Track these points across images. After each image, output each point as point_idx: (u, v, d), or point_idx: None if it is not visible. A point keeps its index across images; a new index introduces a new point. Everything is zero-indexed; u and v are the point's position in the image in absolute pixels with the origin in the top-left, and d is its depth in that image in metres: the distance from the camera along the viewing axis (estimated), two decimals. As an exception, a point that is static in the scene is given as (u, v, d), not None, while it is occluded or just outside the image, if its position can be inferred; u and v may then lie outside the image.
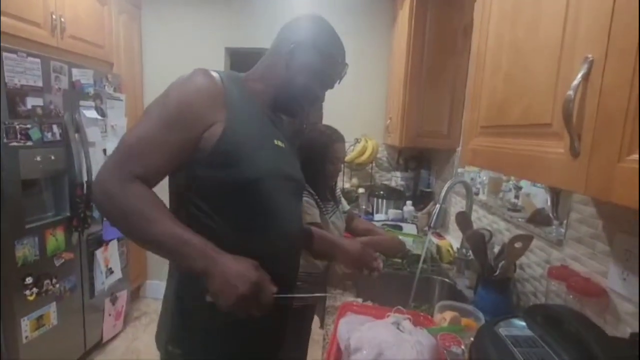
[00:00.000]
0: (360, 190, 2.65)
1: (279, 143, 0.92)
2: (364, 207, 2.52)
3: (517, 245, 1.08)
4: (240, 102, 0.84)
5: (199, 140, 0.78)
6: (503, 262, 1.12)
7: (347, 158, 2.68)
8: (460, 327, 0.98)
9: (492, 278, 1.13)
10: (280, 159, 0.90)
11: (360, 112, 2.81)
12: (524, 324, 0.63)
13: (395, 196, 2.40)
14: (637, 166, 0.41)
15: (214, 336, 0.86)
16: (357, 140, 2.67)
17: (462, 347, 0.86)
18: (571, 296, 0.89)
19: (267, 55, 0.94)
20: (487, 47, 0.86)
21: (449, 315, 1.06)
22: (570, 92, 0.50)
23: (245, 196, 0.82)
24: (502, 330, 0.60)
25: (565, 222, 1.03)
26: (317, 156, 1.50)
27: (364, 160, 2.65)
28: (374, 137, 2.70)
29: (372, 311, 1.05)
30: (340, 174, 2.81)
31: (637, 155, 0.41)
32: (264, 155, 0.85)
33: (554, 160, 0.56)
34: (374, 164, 2.78)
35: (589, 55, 0.49)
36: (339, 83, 0.98)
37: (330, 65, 0.92)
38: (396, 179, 2.66)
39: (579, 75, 0.50)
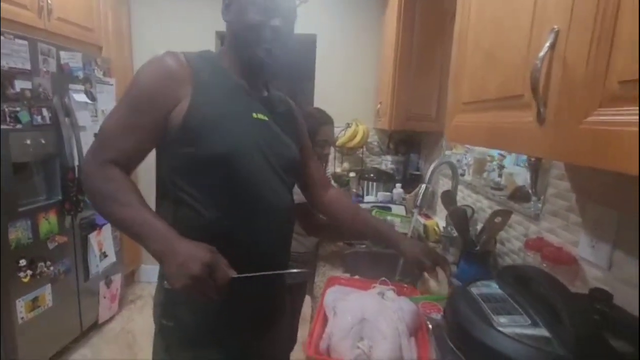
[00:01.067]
0: (352, 174, 2.68)
1: (260, 116, 0.90)
2: (354, 190, 2.56)
3: (497, 220, 1.13)
4: (211, 78, 0.84)
5: (166, 120, 0.80)
6: (484, 236, 1.17)
7: (338, 142, 2.71)
8: (441, 297, 1.03)
9: (473, 252, 1.18)
10: (259, 133, 0.88)
11: (351, 97, 2.83)
12: (496, 284, 0.67)
13: (385, 179, 2.44)
14: (595, 127, 0.44)
15: (203, 310, 0.87)
16: (348, 125, 2.69)
17: (442, 313, 0.91)
18: (544, 265, 0.94)
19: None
20: (469, 24, 0.88)
21: (432, 287, 1.11)
22: (537, 62, 0.53)
23: (219, 171, 0.82)
24: (475, 289, 0.64)
25: (542, 197, 1.08)
26: None
27: (355, 145, 2.68)
28: (365, 121, 2.73)
29: (357, 283, 1.10)
30: (332, 158, 2.86)
31: (595, 117, 0.45)
32: (236, 129, 0.84)
33: (524, 130, 0.59)
34: (364, 149, 2.81)
35: (555, 26, 0.52)
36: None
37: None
38: (386, 163, 2.70)
39: (546, 46, 0.53)
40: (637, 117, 0.37)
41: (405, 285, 1.11)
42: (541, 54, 0.53)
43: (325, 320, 0.93)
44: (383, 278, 1.07)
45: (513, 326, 0.52)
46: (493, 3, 0.75)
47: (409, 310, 0.88)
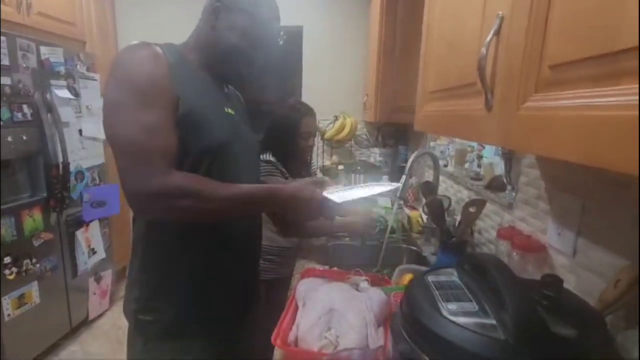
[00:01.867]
0: (340, 167, 2.68)
1: (229, 110, 0.92)
2: (343, 183, 2.56)
3: (472, 209, 1.13)
4: (185, 73, 0.83)
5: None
6: (461, 226, 1.18)
7: (326, 135, 2.71)
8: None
9: (450, 242, 1.19)
10: (233, 126, 0.90)
11: (338, 90, 2.82)
12: (455, 272, 0.68)
13: (372, 171, 2.45)
14: (529, 113, 0.44)
15: (182, 300, 0.88)
16: (335, 118, 2.69)
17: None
18: (514, 253, 0.94)
19: (198, 22, 0.90)
20: (435, 15, 0.88)
21: (407, 277, 1.11)
22: (483, 49, 0.53)
23: (208, 163, 0.83)
24: (431, 277, 0.64)
25: (516, 186, 1.08)
26: (288, 132, 1.50)
27: (343, 137, 2.68)
28: (353, 114, 2.72)
29: (332, 274, 1.10)
30: (321, 151, 2.86)
31: (530, 103, 0.45)
32: (219, 123, 0.86)
33: (475, 117, 0.59)
34: (353, 141, 2.80)
35: (500, 12, 0.52)
36: (280, 42, 0.96)
37: (258, 25, 0.86)
38: (375, 155, 2.70)
39: (491, 32, 0.52)
40: (565, 102, 0.37)
41: (381, 276, 1.12)
42: (487, 40, 0.53)
43: (295, 311, 0.93)
44: (357, 269, 1.07)
45: (460, 313, 0.53)
46: (454, -10, 0.75)
47: (378, 300, 0.89)
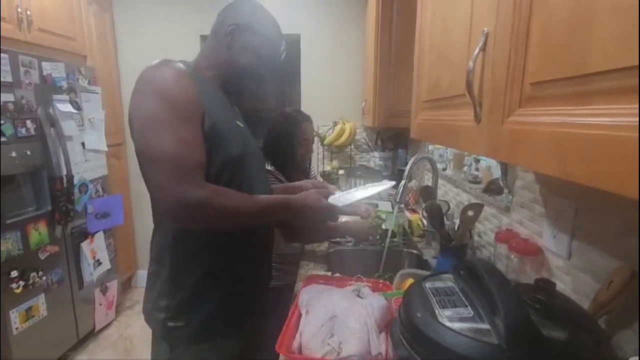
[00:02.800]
0: (341, 171, 2.71)
1: (240, 124, 0.99)
2: (343, 188, 2.58)
3: (470, 213, 1.15)
4: (205, 89, 0.87)
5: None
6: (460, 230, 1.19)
7: (326, 141, 2.73)
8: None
9: (449, 246, 1.20)
10: (245, 138, 0.97)
11: (337, 96, 2.84)
12: (452, 278, 0.69)
13: (372, 176, 2.46)
14: (513, 127, 0.46)
15: (213, 304, 0.93)
16: (334, 123, 2.71)
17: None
18: (512, 256, 0.96)
19: (208, 41, 0.96)
20: (426, 25, 0.90)
21: (408, 282, 1.13)
22: (471, 63, 0.55)
23: (228, 174, 0.88)
24: (428, 284, 0.66)
25: (512, 189, 1.10)
26: (286, 140, 1.53)
27: (343, 142, 2.70)
28: (352, 119, 2.74)
29: (334, 281, 1.12)
30: (321, 156, 2.88)
31: (514, 117, 0.47)
32: (235, 136, 0.91)
33: (466, 128, 0.61)
34: (352, 146, 2.82)
35: (485, 28, 0.54)
36: (281, 58, 1.02)
37: (268, 44, 0.95)
38: (374, 160, 2.71)
39: (478, 47, 0.55)
40: (543, 118, 0.39)
41: (382, 282, 1.13)
42: (474, 54, 0.55)
43: (299, 318, 0.95)
44: (358, 275, 1.09)
45: (456, 319, 0.54)
46: (441, 2, 0.77)
47: (379, 306, 0.90)
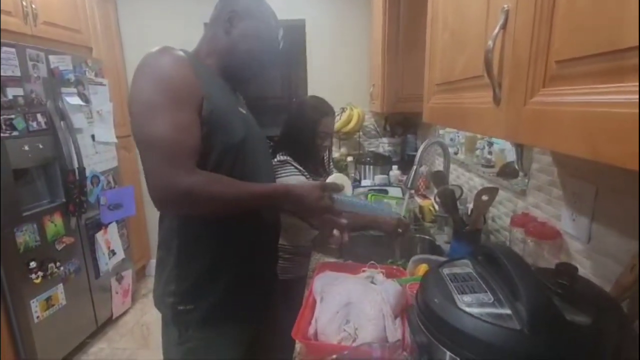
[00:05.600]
0: (349, 158, 2.69)
1: (242, 110, 0.99)
2: (352, 174, 2.57)
3: (484, 198, 1.13)
4: (205, 75, 0.87)
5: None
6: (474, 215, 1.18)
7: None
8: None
9: (463, 231, 1.19)
10: (248, 124, 0.97)
11: (344, 81, 2.80)
12: (469, 263, 0.69)
13: (381, 162, 2.44)
14: (537, 107, 0.44)
15: (220, 290, 0.95)
16: (342, 110, 2.68)
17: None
18: (529, 240, 0.95)
19: (208, 29, 0.96)
20: (439, 6, 0.87)
21: (421, 267, 1.13)
22: (490, 42, 0.53)
23: (231, 160, 0.88)
24: (445, 270, 0.65)
25: (528, 172, 1.07)
26: (306, 131, 1.45)
27: (351, 129, 2.67)
28: (360, 105, 2.71)
29: (347, 268, 1.12)
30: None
31: (538, 98, 0.45)
32: (237, 122, 0.91)
33: (484, 110, 0.60)
34: (361, 132, 2.80)
35: (505, 5, 0.52)
36: (280, 46, 1.02)
37: (266, 30, 0.95)
38: (383, 146, 2.69)
39: (498, 25, 0.52)
40: (570, 98, 0.38)
41: (395, 267, 1.13)
42: (494, 33, 0.53)
43: (314, 306, 0.96)
44: (372, 262, 1.09)
45: (475, 304, 0.54)
46: (456, -19, 0.74)
47: (394, 292, 0.90)
